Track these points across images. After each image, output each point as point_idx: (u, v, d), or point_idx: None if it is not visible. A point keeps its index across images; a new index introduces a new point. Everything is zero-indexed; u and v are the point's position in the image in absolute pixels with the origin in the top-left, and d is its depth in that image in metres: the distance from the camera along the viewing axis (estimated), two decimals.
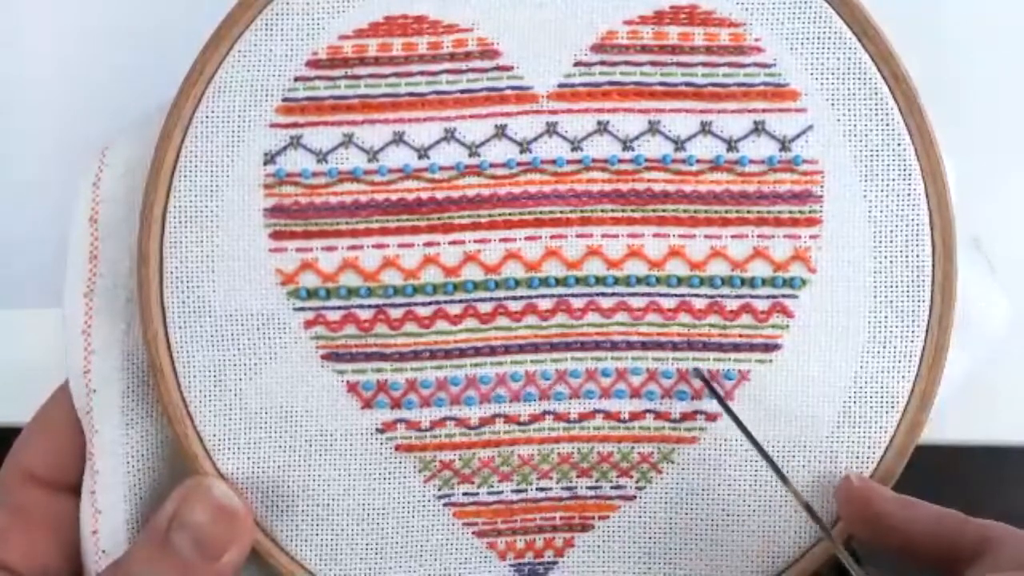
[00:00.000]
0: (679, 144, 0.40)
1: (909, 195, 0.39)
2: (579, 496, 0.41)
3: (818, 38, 0.39)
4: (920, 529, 0.37)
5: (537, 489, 0.41)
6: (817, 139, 0.39)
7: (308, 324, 0.40)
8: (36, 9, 0.55)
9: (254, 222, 0.39)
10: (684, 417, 0.40)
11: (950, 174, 0.39)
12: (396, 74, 0.39)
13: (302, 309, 0.40)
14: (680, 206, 0.40)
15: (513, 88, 0.40)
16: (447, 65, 0.39)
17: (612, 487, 0.41)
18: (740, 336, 0.40)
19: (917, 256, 0.39)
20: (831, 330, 0.40)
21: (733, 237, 0.40)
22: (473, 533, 0.41)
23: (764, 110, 0.39)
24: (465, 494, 0.40)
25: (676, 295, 0.40)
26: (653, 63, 0.39)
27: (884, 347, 0.40)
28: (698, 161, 0.40)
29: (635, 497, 0.41)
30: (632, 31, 0.39)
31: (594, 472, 0.41)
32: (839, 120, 0.39)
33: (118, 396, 0.40)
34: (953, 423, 0.42)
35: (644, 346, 0.40)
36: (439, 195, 0.40)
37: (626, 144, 0.40)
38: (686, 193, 0.40)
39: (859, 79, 0.39)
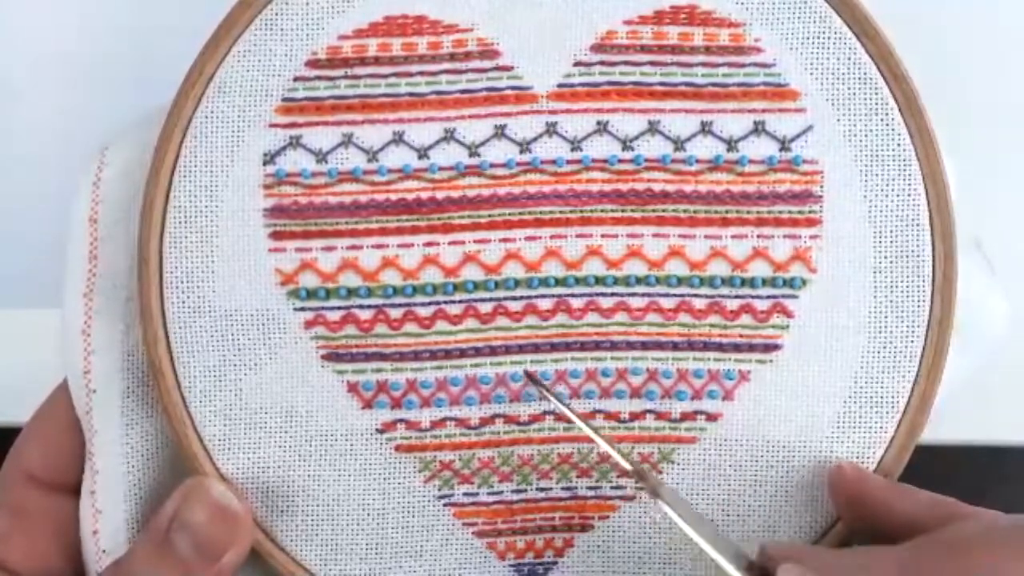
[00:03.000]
0: (679, 144, 0.40)
1: (909, 195, 0.39)
2: (579, 496, 0.41)
3: (818, 38, 0.39)
4: (913, 516, 0.37)
5: (537, 489, 0.41)
6: (817, 139, 0.39)
7: (308, 324, 0.40)
8: (36, 9, 0.55)
9: (254, 222, 0.39)
10: (684, 417, 0.40)
11: (950, 174, 0.39)
12: (396, 74, 0.39)
13: (302, 309, 0.40)
14: (680, 206, 0.40)
15: (513, 88, 0.40)
16: (447, 65, 0.39)
17: (612, 487, 0.41)
18: (740, 336, 0.40)
19: (917, 256, 0.39)
20: (831, 330, 0.40)
21: (733, 237, 0.40)
22: (473, 533, 0.41)
23: (764, 110, 0.39)
24: (465, 494, 0.40)
25: (676, 295, 0.40)
26: (653, 63, 0.39)
27: (884, 348, 0.40)
28: (698, 161, 0.40)
29: (635, 497, 0.41)
30: (632, 31, 0.39)
31: (594, 472, 0.41)
32: (839, 120, 0.39)
33: (118, 396, 0.40)
34: (953, 423, 0.42)
35: (644, 346, 0.40)
36: (439, 195, 0.40)
37: (626, 144, 0.40)
38: (686, 193, 0.40)
39: (859, 79, 0.39)
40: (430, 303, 0.40)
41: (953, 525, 0.35)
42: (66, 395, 0.40)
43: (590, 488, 0.41)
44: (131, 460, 0.40)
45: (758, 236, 0.40)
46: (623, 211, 0.40)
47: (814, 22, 0.39)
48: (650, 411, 0.40)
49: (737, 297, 0.40)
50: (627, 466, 0.37)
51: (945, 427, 0.40)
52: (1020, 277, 0.44)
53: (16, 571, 0.39)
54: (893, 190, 0.39)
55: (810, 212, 0.39)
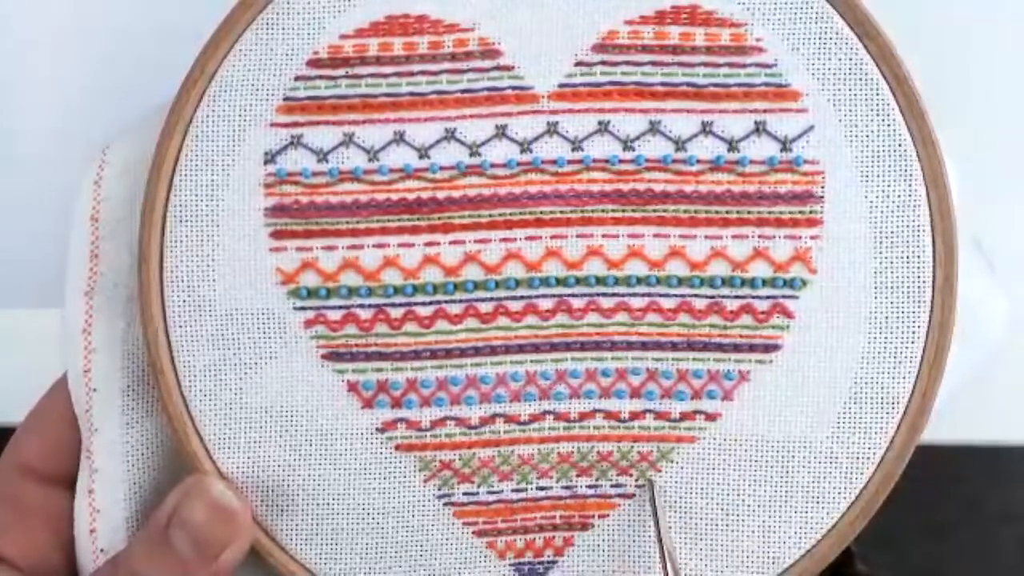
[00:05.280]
0: (680, 144, 0.40)
1: (910, 196, 0.39)
2: (579, 495, 0.41)
3: (820, 38, 0.39)
4: None
5: (537, 488, 0.41)
6: (818, 140, 0.39)
7: (308, 323, 0.40)
8: (36, 9, 0.55)
9: (255, 221, 0.39)
10: (684, 417, 0.40)
11: (951, 175, 0.39)
12: (397, 73, 0.39)
13: (302, 308, 0.40)
14: (681, 206, 0.40)
15: (514, 88, 0.40)
16: (448, 65, 0.39)
17: (612, 486, 0.41)
18: (740, 336, 0.40)
19: (918, 257, 0.39)
20: (831, 331, 0.40)
21: (734, 237, 0.40)
22: (473, 533, 0.41)
23: (765, 110, 0.39)
24: (465, 494, 0.40)
25: (676, 295, 0.40)
26: (654, 63, 0.39)
27: (885, 348, 0.40)
28: (699, 161, 0.40)
29: (635, 496, 0.41)
30: (633, 31, 0.39)
31: (594, 471, 0.41)
32: (840, 121, 0.39)
33: (118, 395, 0.40)
34: (953, 423, 0.42)
35: (644, 346, 0.40)
36: (439, 195, 0.40)
37: (627, 144, 0.40)
38: (687, 193, 0.40)
39: (860, 80, 0.39)
40: (430, 303, 0.40)
41: None
42: (66, 390, 0.40)
43: (590, 487, 0.41)
44: (131, 459, 0.40)
45: (759, 236, 0.40)
46: (624, 211, 0.40)
47: (815, 22, 0.39)
48: (650, 411, 0.40)
49: (737, 297, 0.40)
50: None
51: (945, 427, 0.40)
52: (1020, 277, 0.44)
53: (14, 564, 0.40)
54: (894, 191, 0.39)
55: (811, 212, 0.39)
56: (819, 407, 0.40)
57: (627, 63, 0.39)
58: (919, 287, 0.39)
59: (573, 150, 0.40)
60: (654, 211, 0.40)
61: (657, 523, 0.39)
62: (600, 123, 0.40)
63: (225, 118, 0.39)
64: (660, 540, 0.39)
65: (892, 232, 0.39)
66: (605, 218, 0.40)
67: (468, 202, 0.40)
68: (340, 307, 0.40)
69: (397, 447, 0.40)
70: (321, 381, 0.40)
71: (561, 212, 0.40)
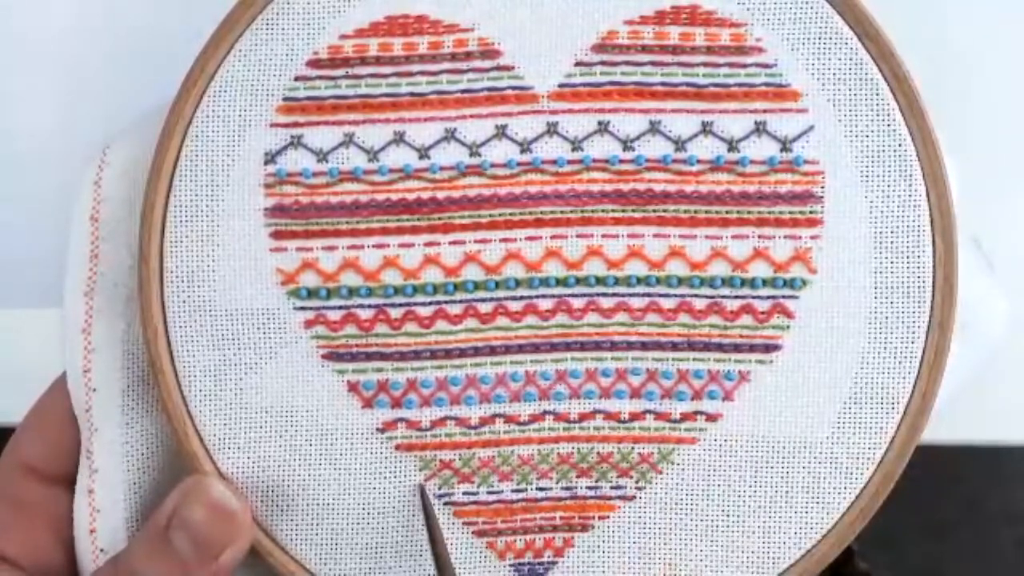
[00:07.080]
0: (680, 144, 0.40)
1: (910, 196, 0.39)
2: (579, 496, 0.41)
3: (819, 38, 0.39)
4: None
5: (537, 489, 0.41)
6: (818, 139, 0.39)
7: (308, 324, 0.40)
8: (36, 9, 0.55)
9: (255, 221, 0.40)
10: (684, 417, 0.40)
11: (951, 174, 0.39)
12: (397, 74, 0.39)
13: (302, 309, 0.40)
14: (680, 206, 0.40)
15: (514, 88, 0.40)
16: (448, 65, 0.40)
17: (612, 487, 0.41)
18: (740, 336, 0.40)
19: (918, 257, 0.39)
20: (831, 331, 0.40)
21: (734, 238, 0.40)
22: (473, 533, 0.41)
23: (765, 110, 0.39)
24: (465, 494, 0.40)
25: (676, 295, 0.40)
26: (654, 63, 0.40)
27: (885, 348, 0.40)
28: (699, 161, 0.40)
29: (635, 497, 0.41)
30: (633, 31, 0.39)
31: (594, 472, 0.41)
32: (840, 120, 0.39)
33: (118, 395, 0.40)
34: (953, 423, 0.42)
35: (644, 346, 0.40)
36: (440, 195, 0.40)
37: (627, 144, 0.40)
38: (687, 193, 0.40)
39: (860, 79, 0.39)
40: (430, 303, 0.40)
41: None
42: (65, 389, 0.40)
43: (590, 488, 0.41)
44: (130, 459, 0.40)
45: (759, 236, 0.40)
46: (624, 211, 0.40)
47: (815, 23, 0.39)
48: (650, 411, 0.40)
49: (737, 297, 0.40)
50: None
51: (945, 427, 0.40)
52: (1020, 277, 0.44)
53: (16, 562, 0.40)
54: (894, 190, 0.39)
55: (811, 212, 0.39)
56: (819, 407, 0.40)
57: (627, 63, 0.39)
58: (919, 287, 0.39)
59: (573, 150, 0.40)
60: (654, 211, 0.40)
61: (431, 527, 0.39)
62: (600, 123, 0.40)
63: (225, 118, 0.39)
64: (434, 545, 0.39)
65: (892, 232, 0.39)
66: (605, 218, 0.40)
67: (468, 202, 0.40)
68: (340, 307, 0.40)
69: (397, 447, 0.40)
70: (321, 381, 0.40)
71: (561, 212, 0.40)
